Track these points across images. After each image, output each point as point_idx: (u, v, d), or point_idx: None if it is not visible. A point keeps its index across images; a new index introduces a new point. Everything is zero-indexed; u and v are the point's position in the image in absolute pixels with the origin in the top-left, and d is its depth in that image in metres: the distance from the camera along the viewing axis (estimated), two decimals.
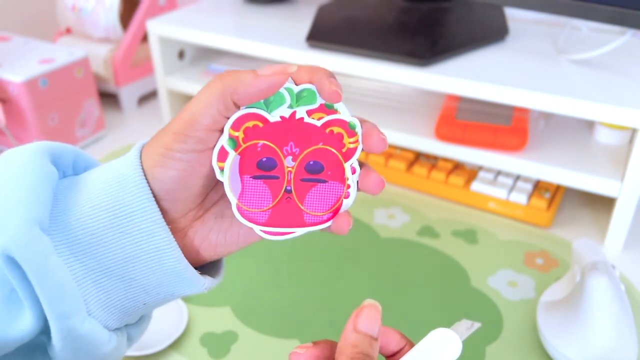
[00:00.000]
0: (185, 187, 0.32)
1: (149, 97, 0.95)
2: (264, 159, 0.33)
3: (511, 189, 0.66)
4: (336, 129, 0.33)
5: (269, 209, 0.34)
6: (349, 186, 0.34)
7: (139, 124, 0.88)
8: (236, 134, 0.33)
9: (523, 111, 0.68)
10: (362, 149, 0.34)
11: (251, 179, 0.33)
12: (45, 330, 0.31)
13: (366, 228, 0.65)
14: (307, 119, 0.33)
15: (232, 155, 0.33)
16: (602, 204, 0.68)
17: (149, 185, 0.32)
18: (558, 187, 0.67)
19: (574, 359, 0.46)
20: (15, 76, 0.71)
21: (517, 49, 0.70)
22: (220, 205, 0.35)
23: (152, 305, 0.34)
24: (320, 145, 0.33)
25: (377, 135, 0.33)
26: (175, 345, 0.51)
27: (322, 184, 0.34)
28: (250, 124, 0.33)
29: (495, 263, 0.60)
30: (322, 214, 0.34)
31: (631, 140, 0.65)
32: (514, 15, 0.80)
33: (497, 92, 0.61)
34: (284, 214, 0.34)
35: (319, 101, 0.33)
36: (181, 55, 0.85)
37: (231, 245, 0.35)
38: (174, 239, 0.32)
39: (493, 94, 0.62)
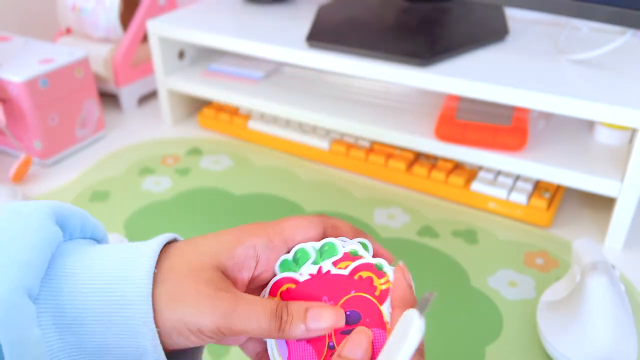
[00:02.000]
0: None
1: (149, 97, 0.95)
2: None
3: (511, 189, 0.66)
4: (364, 274, 0.33)
5: None
6: (389, 330, 0.32)
7: (139, 124, 0.88)
8: (274, 299, 0.33)
9: (523, 111, 0.68)
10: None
11: (295, 341, 0.33)
12: None
13: (366, 228, 0.65)
14: (334, 271, 0.33)
15: None
16: (602, 204, 0.68)
17: (153, 303, 0.30)
18: (558, 187, 0.67)
19: (574, 359, 0.46)
20: (15, 76, 0.71)
21: (517, 49, 0.70)
22: None
23: None
24: (352, 294, 0.33)
25: (402, 272, 0.33)
26: None
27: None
28: (284, 287, 0.34)
29: (495, 263, 0.60)
30: None
31: (631, 140, 0.65)
32: (514, 15, 0.80)
33: (497, 92, 0.61)
34: None
35: (341, 252, 0.34)
36: (181, 55, 0.85)
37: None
38: (160, 346, 0.30)
39: (493, 94, 0.62)
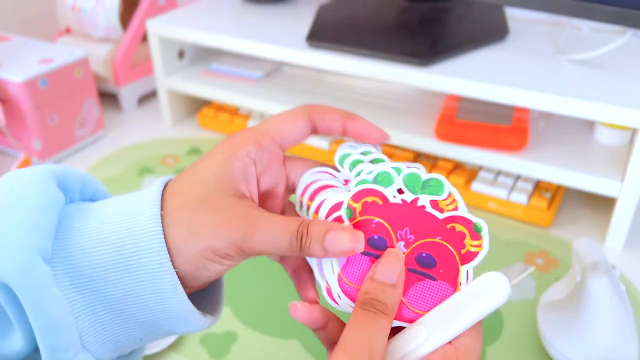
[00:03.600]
0: (209, 279, 0.32)
1: (149, 97, 0.95)
2: (376, 237, 0.32)
3: (511, 189, 0.66)
4: (459, 227, 0.31)
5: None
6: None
7: (139, 124, 0.88)
8: (355, 205, 0.32)
9: (523, 111, 0.68)
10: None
11: (359, 253, 0.32)
12: (38, 350, 0.31)
13: None
14: (428, 209, 0.31)
15: (346, 225, 0.32)
16: (602, 204, 0.68)
17: (166, 241, 0.30)
18: (558, 187, 0.67)
19: (575, 359, 0.46)
20: (15, 76, 0.71)
21: (517, 49, 0.70)
22: None
23: (148, 340, 0.33)
24: (437, 239, 0.31)
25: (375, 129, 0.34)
26: (175, 345, 0.51)
27: (430, 281, 0.31)
28: (369, 199, 0.32)
29: (495, 263, 0.60)
30: (422, 312, 0.31)
31: (631, 140, 0.65)
32: (514, 15, 0.80)
33: (497, 92, 0.61)
34: None
35: (446, 193, 0.31)
36: (181, 55, 0.85)
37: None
38: (180, 285, 0.31)
39: (493, 94, 0.62)
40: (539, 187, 0.67)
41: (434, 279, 0.31)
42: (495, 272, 0.30)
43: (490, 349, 0.50)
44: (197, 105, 0.90)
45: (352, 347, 0.29)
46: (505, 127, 0.65)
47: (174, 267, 0.30)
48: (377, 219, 0.32)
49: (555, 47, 0.70)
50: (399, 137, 0.69)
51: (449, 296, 0.31)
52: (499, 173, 0.68)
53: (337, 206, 0.33)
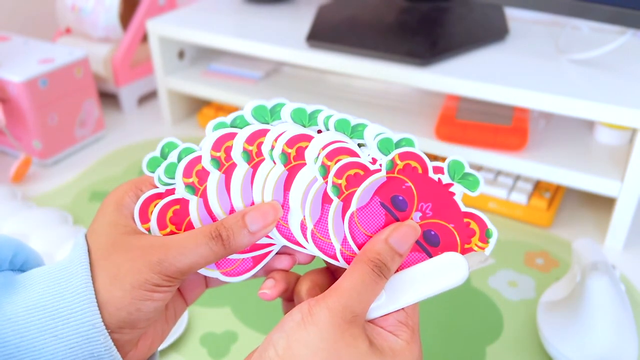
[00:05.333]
0: (147, 321, 0.31)
1: (149, 97, 0.95)
2: (400, 198, 0.33)
3: (511, 189, 0.66)
4: (473, 224, 0.33)
5: (369, 236, 0.33)
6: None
7: (139, 124, 0.88)
8: (339, 181, 0.33)
9: (523, 111, 0.68)
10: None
11: (379, 203, 0.33)
12: None
13: None
14: (457, 198, 0.33)
15: (383, 173, 0.33)
16: (602, 204, 0.68)
17: (97, 299, 0.30)
18: (558, 187, 0.67)
19: (574, 359, 0.46)
20: (15, 76, 0.71)
21: (517, 49, 0.70)
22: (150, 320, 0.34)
23: None
24: (450, 226, 0.33)
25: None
26: (175, 345, 0.51)
27: (425, 256, 0.33)
28: (413, 163, 0.33)
29: (495, 263, 0.60)
30: None
31: (631, 140, 0.65)
32: (514, 15, 0.80)
33: (497, 92, 0.61)
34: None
35: (480, 188, 0.33)
36: (181, 55, 0.85)
37: (164, 337, 0.35)
38: (114, 347, 0.30)
39: (493, 94, 0.62)
40: (538, 187, 0.66)
41: (430, 255, 0.33)
42: (457, 255, 0.32)
43: (490, 348, 0.50)
44: (197, 105, 0.90)
45: (349, 298, 0.30)
46: (505, 127, 0.65)
47: (106, 321, 0.29)
48: (409, 183, 0.33)
49: (555, 47, 0.70)
50: None
51: None
52: (499, 173, 0.68)
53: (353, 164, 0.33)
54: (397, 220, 0.33)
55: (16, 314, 0.29)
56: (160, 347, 0.49)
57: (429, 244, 0.33)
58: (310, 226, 0.33)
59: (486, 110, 0.68)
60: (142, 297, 0.30)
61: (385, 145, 0.34)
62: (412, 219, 0.33)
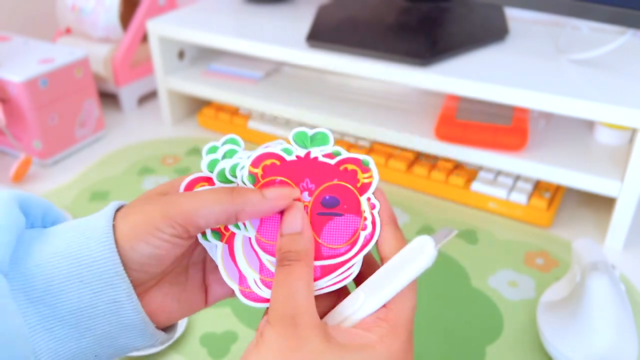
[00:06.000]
0: (158, 263, 0.33)
1: (149, 97, 0.95)
2: None
3: (511, 189, 0.66)
4: (350, 166, 0.35)
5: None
6: (365, 218, 0.34)
7: (139, 124, 0.88)
8: (255, 170, 0.35)
9: (523, 111, 0.68)
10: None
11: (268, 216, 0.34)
12: None
13: None
14: (321, 159, 0.35)
15: None
16: (602, 204, 0.68)
17: (118, 249, 0.31)
18: (558, 187, 0.67)
19: (574, 358, 0.46)
20: (15, 76, 0.71)
21: (517, 49, 0.70)
22: (175, 272, 0.36)
23: (102, 357, 0.34)
24: (335, 182, 0.35)
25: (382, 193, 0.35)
26: (175, 345, 0.51)
27: (338, 217, 0.34)
28: (268, 162, 0.35)
29: (495, 263, 0.60)
30: (339, 246, 0.34)
31: (631, 140, 0.65)
32: (514, 15, 0.80)
33: (497, 92, 0.61)
34: None
35: (332, 142, 0.36)
36: (181, 55, 0.85)
37: (183, 311, 0.36)
38: (134, 293, 0.32)
39: (493, 94, 0.62)
40: (538, 187, 0.67)
41: (341, 215, 0.34)
42: (424, 237, 0.32)
43: (490, 348, 0.50)
44: (197, 105, 0.90)
45: (277, 304, 0.30)
46: (505, 127, 0.65)
47: (127, 267, 0.31)
48: (278, 178, 0.35)
49: (555, 47, 0.70)
50: (399, 137, 0.69)
51: (357, 225, 0.34)
52: (498, 173, 0.68)
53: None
54: None
55: (45, 261, 0.31)
56: (160, 348, 0.50)
57: (332, 207, 0.34)
58: (253, 234, 0.34)
59: (486, 110, 0.69)
60: (148, 232, 0.31)
61: (300, 138, 0.36)
62: (303, 200, 0.34)
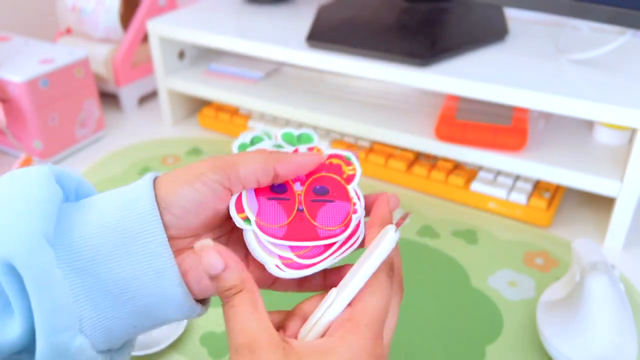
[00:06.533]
0: (198, 213, 0.34)
1: (149, 97, 0.95)
2: (276, 185, 0.38)
3: (511, 189, 0.66)
4: (335, 161, 0.40)
5: (285, 224, 0.36)
6: (354, 204, 0.38)
7: (139, 124, 0.88)
8: None
9: (523, 111, 0.68)
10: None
11: (266, 200, 0.37)
12: (27, 349, 0.31)
13: None
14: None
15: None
16: (602, 204, 0.68)
17: (158, 202, 0.33)
18: (558, 187, 0.67)
19: (574, 359, 0.46)
20: (16, 76, 0.71)
21: (517, 49, 0.70)
22: (214, 239, 0.36)
23: (140, 329, 0.34)
24: (323, 173, 0.39)
25: (386, 198, 0.37)
26: (175, 345, 0.51)
27: (330, 204, 0.38)
28: None
29: (495, 263, 0.60)
30: (334, 228, 0.37)
31: (631, 140, 0.65)
32: (514, 15, 0.80)
33: (497, 92, 0.61)
34: (300, 229, 0.36)
35: (316, 141, 0.42)
36: (181, 55, 0.85)
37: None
38: (176, 264, 0.32)
39: (493, 94, 0.62)
40: (538, 187, 0.67)
41: (332, 201, 0.38)
42: (387, 226, 0.33)
43: (490, 348, 0.51)
44: (197, 105, 0.90)
45: (231, 338, 0.30)
46: (505, 127, 0.65)
47: (165, 223, 0.32)
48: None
49: (555, 47, 0.70)
50: (399, 137, 0.69)
51: (348, 209, 0.38)
52: (498, 173, 0.68)
53: None
54: (288, 200, 0.37)
55: (89, 232, 0.32)
56: (160, 347, 0.50)
57: (323, 195, 0.38)
58: (252, 218, 0.36)
59: (486, 110, 0.69)
60: (195, 184, 0.33)
61: (288, 138, 0.42)
62: (295, 190, 0.38)
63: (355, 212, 0.37)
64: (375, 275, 0.32)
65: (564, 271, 0.58)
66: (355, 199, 0.38)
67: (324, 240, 0.36)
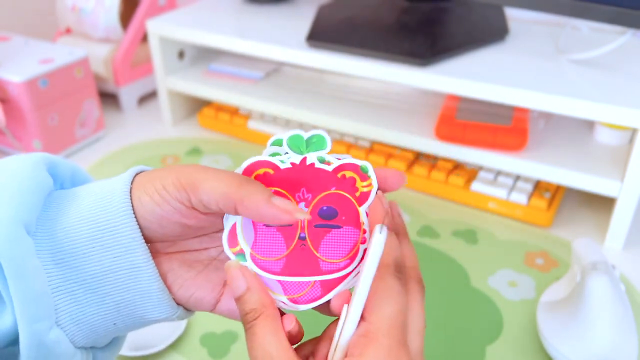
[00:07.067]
0: (161, 225, 0.33)
1: (149, 97, 0.95)
2: None
3: (511, 189, 0.66)
4: (348, 173, 0.33)
5: (283, 257, 0.33)
6: (364, 231, 0.33)
7: (139, 124, 0.88)
8: None
9: (523, 111, 0.68)
10: (379, 189, 0.33)
11: (264, 227, 0.33)
12: (18, 340, 0.31)
13: None
14: (318, 165, 0.33)
15: None
16: (602, 204, 0.68)
17: (133, 208, 0.32)
18: (558, 187, 0.67)
19: (574, 359, 0.46)
20: (15, 76, 0.71)
21: (517, 49, 0.70)
22: (193, 254, 0.35)
23: (121, 327, 0.34)
24: (332, 190, 0.33)
25: (393, 171, 0.34)
26: (175, 345, 0.51)
27: (336, 230, 0.33)
28: (261, 171, 0.33)
29: (495, 263, 0.60)
30: (338, 260, 0.33)
31: (631, 140, 0.65)
32: (514, 15, 0.80)
33: (497, 92, 0.61)
34: (299, 262, 0.32)
35: (329, 146, 0.33)
36: (181, 55, 0.85)
37: (197, 303, 0.35)
38: (151, 259, 0.32)
39: (493, 94, 0.62)
40: (538, 187, 0.67)
41: (339, 227, 0.33)
42: (376, 226, 0.30)
43: (490, 348, 0.51)
44: (197, 105, 0.90)
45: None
46: (505, 127, 0.65)
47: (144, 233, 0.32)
48: (272, 189, 0.33)
49: (555, 47, 0.70)
50: (399, 137, 0.69)
51: (356, 238, 0.33)
52: (498, 173, 0.68)
53: None
54: (289, 226, 0.33)
55: (69, 225, 0.32)
56: (160, 347, 0.50)
57: (330, 219, 0.33)
58: (247, 250, 0.33)
59: (486, 110, 0.69)
60: (155, 197, 0.32)
61: (295, 143, 0.34)
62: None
63: (364, 241, 0.33)
64: (381, 280, 0.30)
65: (564, 271, 0.58)
66: (366, 225, 0.33)
67: (325, 276, 0.32)
